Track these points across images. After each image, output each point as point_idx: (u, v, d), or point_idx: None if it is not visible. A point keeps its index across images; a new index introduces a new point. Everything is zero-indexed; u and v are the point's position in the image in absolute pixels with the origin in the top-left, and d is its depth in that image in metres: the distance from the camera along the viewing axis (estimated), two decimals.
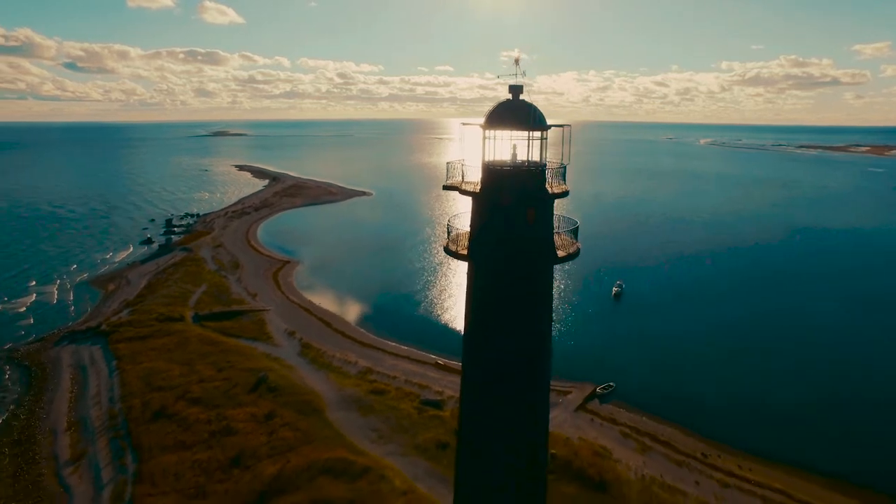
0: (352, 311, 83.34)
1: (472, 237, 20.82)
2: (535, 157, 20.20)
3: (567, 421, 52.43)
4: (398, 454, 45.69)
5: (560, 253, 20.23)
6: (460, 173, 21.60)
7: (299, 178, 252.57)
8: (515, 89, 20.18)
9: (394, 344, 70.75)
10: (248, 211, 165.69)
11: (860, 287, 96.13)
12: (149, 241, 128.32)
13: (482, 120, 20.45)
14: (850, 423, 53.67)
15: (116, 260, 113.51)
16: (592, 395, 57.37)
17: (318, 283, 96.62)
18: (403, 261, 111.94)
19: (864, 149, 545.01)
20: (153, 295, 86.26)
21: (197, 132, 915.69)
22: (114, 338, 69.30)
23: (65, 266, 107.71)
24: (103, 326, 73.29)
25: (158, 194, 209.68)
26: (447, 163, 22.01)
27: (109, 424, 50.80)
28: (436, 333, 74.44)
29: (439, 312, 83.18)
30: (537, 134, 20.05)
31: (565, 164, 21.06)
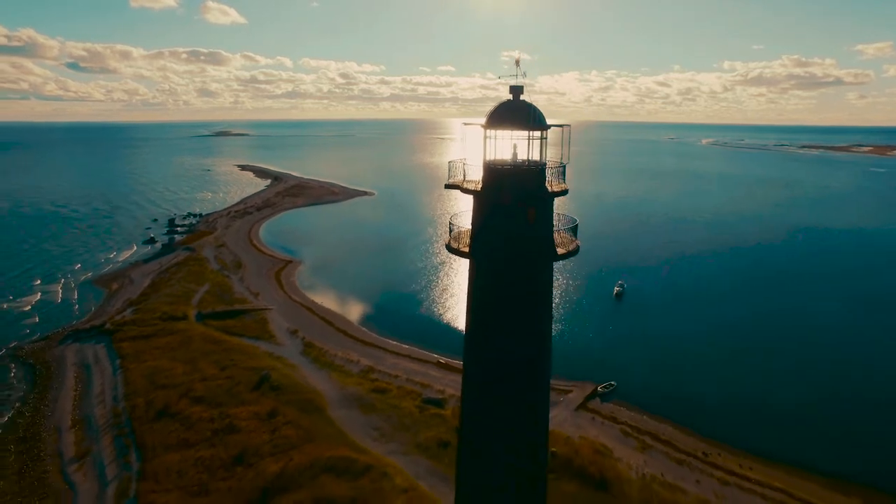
0: (354, 311, 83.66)
1: (474, 235, 21.09)
2: (536, 157, 20.47)
3: (568, 419, 52.66)
4: (400, 452, 45.96)
5: (560, 250, 20.50)
6: (462, 172, 21.89)
7: (301, 178, 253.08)
8: (516, 90, 20.45)
9: (395, 343, 71.05)
10: (251, 211, 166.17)
11: (862, 287, 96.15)
12: (152, 241, 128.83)
13: (483, 120, 20.72)
14: (851, 422, 53.79)
15: (120, 259, 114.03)
16: (593, 394, 57.60)
17: (320, 283, 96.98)
18: (405, 260, 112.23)
19: (866, 149, 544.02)
20: (156, 294, 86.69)
21: (199, 132, 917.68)
22: (117, 336, 69.73)
23: (69, 265, 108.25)
24: (107, 325, 73.73)
25: (161, 194, 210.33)
26: (449, 162, 22.30)
27: (113, 422, 51.16)
28: (437, 333, 74.71)
29: (441, 312, 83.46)
30: (537, 134, 20.32)
31: (565, 163, 21.32)
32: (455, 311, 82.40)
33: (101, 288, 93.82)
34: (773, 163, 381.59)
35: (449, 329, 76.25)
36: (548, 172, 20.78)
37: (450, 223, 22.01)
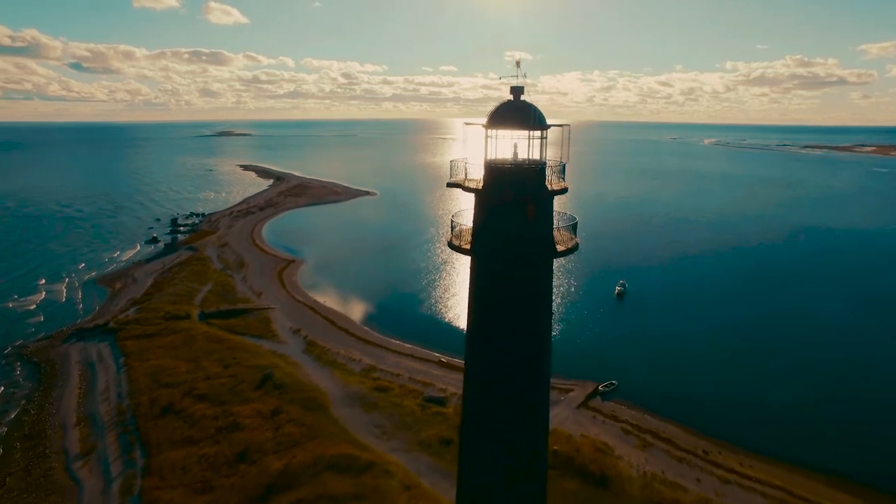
0: (356, 310, 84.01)
1: (475, 232, 21.39)
2: (536, 156, 20.78)
3: (569, 418, 52.92)
4: (402, 450, 46.29)
5: (559, 247, 20.81)
6: (463, 171, 22.23)
7: (303, 177, 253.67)
8: (517, 90, 20.76)
9: (397, 342, 71.40)
10: (253, 210, 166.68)
11: (863, 287, 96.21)
12: (155, 241, 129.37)
13: (485, 120, 21.03)
14: (851, 421, 53.97)
15: (123, 259, 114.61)
16: (595, 393, 57.85)
17: (322, 282, 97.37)
18: (407, 260, 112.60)
19: (869, 149, 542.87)
20: (160, 293, 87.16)
21: (201, 132, 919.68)
22: (121, 335, 70.20)
23: (73, 265, 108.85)
24: (111, 324, 74.21)
25: (164, 194, 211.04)
26: (451, 161, 22.63)
27: (118, 420, 51.60)
28: (439, 332, 75.02)
29: (442, 311, 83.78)
30: (537, 133, 20.63)
31: (564, 162, 21.64)
32: (456, 310, 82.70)
33: (105, 287, 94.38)
34: (776, 163, 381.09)
35: (450, 328, 76.56)
36: (548, 171, 21.09)
37: (451, 221, 22.36)
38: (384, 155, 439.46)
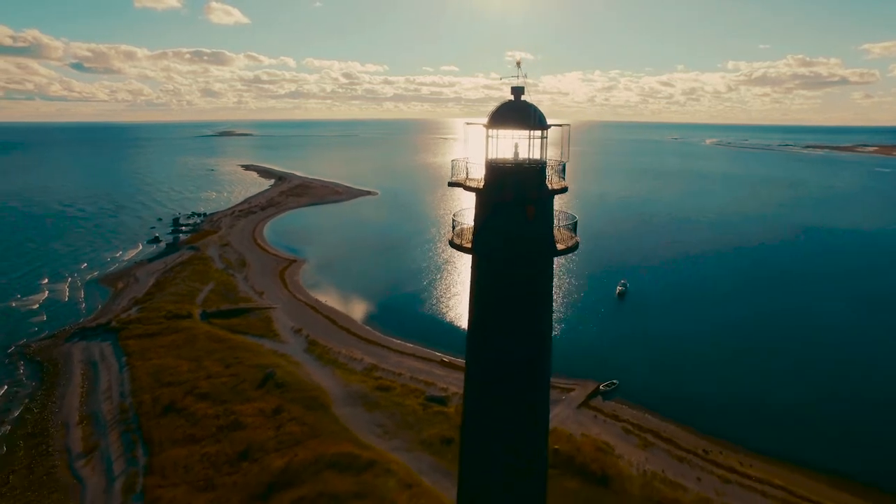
0: (357, 309, 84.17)
1: (476, 231, 21.53)
2: (536, 155, 20.90)
3: (570, 417, 53.03)
4: (403, 449, 46.43)
5: (560, 246, 20.94)
6: (465, 171, 22.37)
7: (305, 177, 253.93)
8: (517, 90, 20.89)
9: (399, 341, 71.53)
10: (255, 210, 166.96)
11: (864, 287, 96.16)
12: (156, 240, 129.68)
13: (486, 120, 21.17)
14: (852, 421, 54.00)
15: (125, 258, 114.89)
16: (595, 392, 57.93)
17: (324, 282, 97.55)
18: (408, 259, 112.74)
19: (871, 149, 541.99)
20: (161, 293, 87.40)
21: (203, 132, 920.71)
22: (123, 334, 70.43)
23: (75, 264, 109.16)
24: (113, 323, 74.44)
25: (166, 194, 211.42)
26: (452, 161, 22.77)
27: (120, 418, 51.80)
28: (440, 331, 75.15)
29: (444, 310, 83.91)
30: (538, 133, 20.76)
31: (564, 161, 21.77)
32: (458, 310, 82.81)
33: (107, 287, 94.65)
34: (778, 163, 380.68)
35: (452, 328, 76.67)
36: (548, 171, 21.22)
37: (453, 220, 22.50)
38: (385, 155, 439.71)
